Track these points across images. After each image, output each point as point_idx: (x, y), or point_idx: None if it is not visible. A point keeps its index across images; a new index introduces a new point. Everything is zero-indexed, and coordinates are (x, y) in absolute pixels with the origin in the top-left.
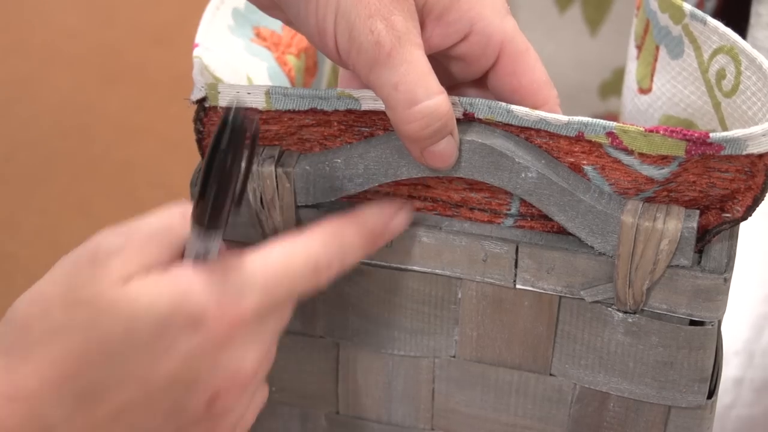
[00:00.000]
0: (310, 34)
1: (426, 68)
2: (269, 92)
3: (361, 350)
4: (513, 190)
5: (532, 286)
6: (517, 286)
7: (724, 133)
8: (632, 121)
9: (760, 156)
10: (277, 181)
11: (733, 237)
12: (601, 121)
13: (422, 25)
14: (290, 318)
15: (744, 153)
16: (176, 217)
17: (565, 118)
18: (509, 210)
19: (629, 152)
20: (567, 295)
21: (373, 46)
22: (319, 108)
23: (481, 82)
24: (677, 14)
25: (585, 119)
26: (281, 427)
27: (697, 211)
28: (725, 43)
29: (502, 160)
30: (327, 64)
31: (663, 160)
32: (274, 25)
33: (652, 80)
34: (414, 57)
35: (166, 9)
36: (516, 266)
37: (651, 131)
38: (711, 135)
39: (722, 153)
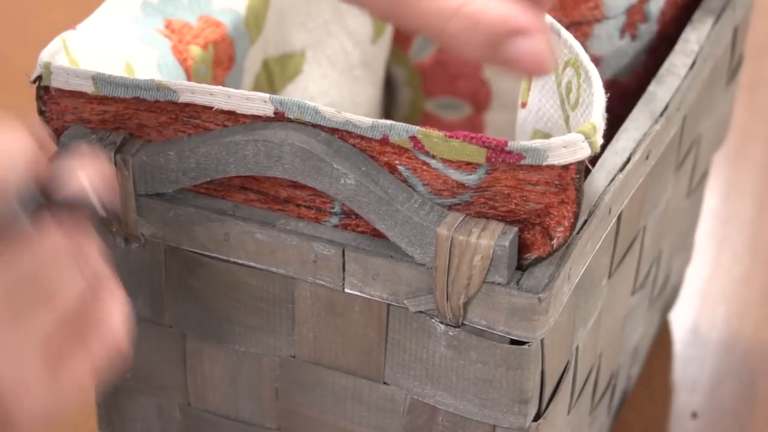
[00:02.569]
0: None
1: None
2: (95, 78)
3: (206, 343)
4: (334, 195)
5: (360, 292)
6: (346, 291)
7: (524, 143)
8: (514, 136)
9: (566, 168)
10: (116, 168)
11: (564, 259)
12: (404, 124)
13: None
14: (142, 304)
15: (545, 163)
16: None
17: (369, 121)
18: (333, 209)
19: (432, 156)
20: (394, 303)
21: None
22: (142, 97)
23: None
24: None
25: (389, 122)
26: (140, 416)
27: (515, 229)
28: (572, 56)
29: (321, 164)
30: (248, 59)
31: (468, 166)
32: (190, 16)
33: (528, 94)
34: None
35: (54, 13)
36: (344, 270)
37: (451, 137)
38: (509, 143)
39: (523, 162)
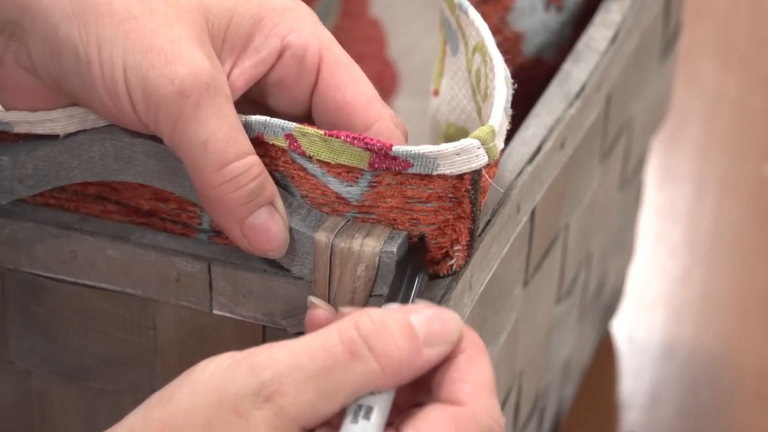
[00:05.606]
0: (103, 104)
1: (237, 124)
2: None
3: (56, 380)
4: (195, 201)
5: (231, 312)
6: (215, 312)
7: (411, 148)
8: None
9: (461, 178)
10: None
11: (463, 266)
12: (281, 121)
13: (231, 63)
14: None
15: (435, 173)
16: None
17: (242, 118)
18: (200, 224)
19: (309, 158)
20: (270, 325)
21: (176, 96)
22: None
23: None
24: (450, 4)
25: (264, 118)
26: None
27: (404, 233)
28: (479, 40)
29: (179, 165)
30: None
31: (348, 174)
32: None
33: (441, 80)
34: (225, 110)
35: None
36: (211, 288)
37: (331, 135)
38: (394, 147)
39: (410, 171)
